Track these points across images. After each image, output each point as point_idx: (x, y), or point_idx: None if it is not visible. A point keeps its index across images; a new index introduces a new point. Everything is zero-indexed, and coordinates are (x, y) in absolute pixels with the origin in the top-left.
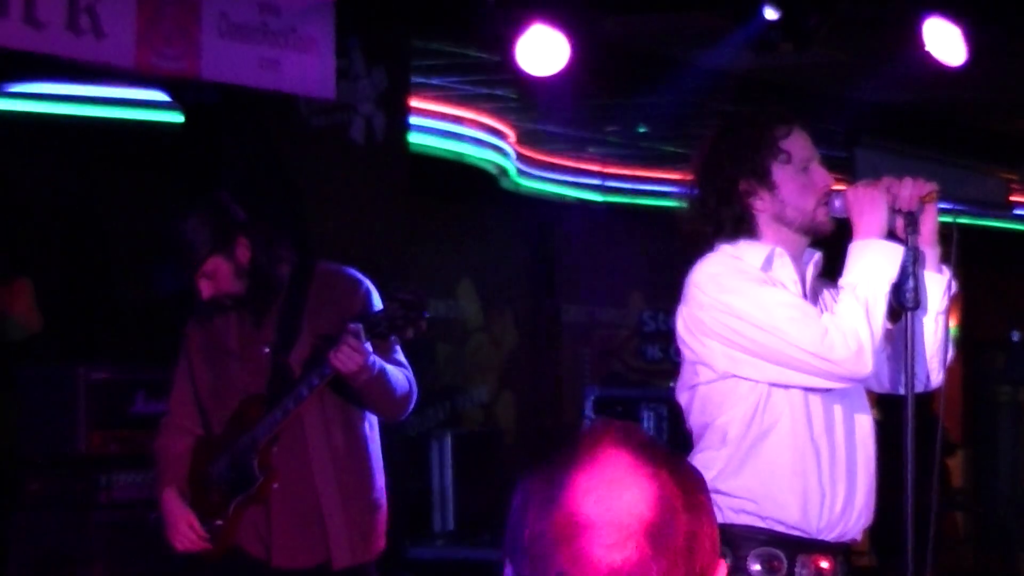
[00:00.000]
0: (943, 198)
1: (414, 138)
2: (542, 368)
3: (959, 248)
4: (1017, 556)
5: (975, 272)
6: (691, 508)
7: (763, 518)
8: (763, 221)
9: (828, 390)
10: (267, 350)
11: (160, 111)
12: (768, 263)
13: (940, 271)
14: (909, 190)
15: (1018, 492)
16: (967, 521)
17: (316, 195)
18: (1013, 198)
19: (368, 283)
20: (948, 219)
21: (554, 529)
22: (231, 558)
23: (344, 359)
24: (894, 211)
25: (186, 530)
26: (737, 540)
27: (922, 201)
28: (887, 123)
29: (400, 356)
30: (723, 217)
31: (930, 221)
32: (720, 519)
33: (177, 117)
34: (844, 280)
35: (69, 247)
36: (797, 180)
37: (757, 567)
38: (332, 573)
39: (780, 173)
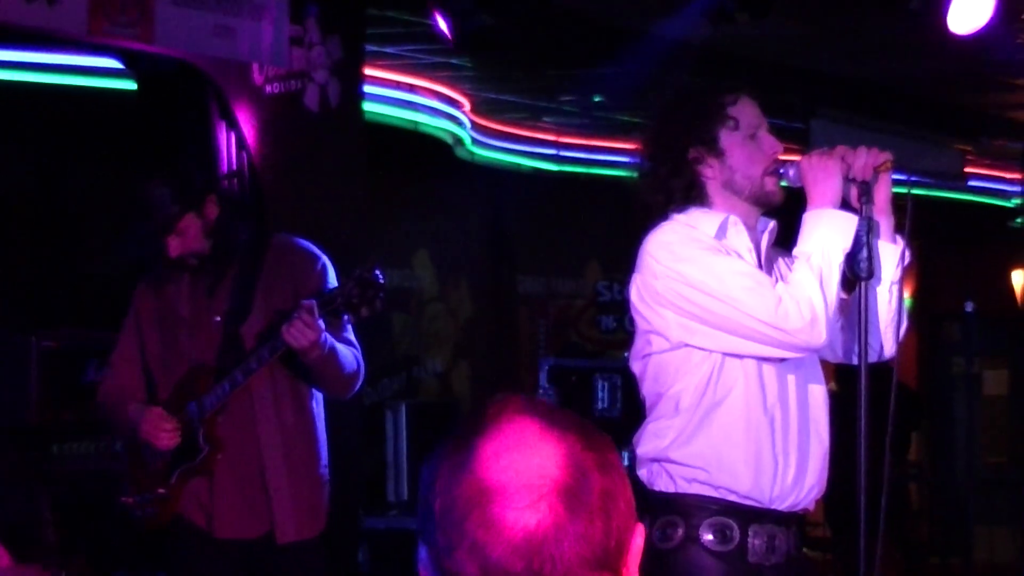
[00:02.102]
0: (898, 169)
1: (369, 107)
2: (498, 338)
3: (913, 218)
4: (972, 529)
5: (931, 244)
6: (603, 467)
7: (715, 487)
8: (713, 189)
9: (782, 360)
10: (218, 319)
11: (114, 79)
12: (722, 231)
13: (894, 241)
14: (863, 159)
15: (974, 464)
16: (922, 494)
17: (270, 163)
18: (968, 169)
19: (325, 259)
20: (902, 189)
21: (464, 497)
22: (174, 526)
23: (296, 335)
24: (848, 180)
25: (157, 422)
26: (690, 509)
27: (876, 171)
28: (843, 95)
29: (350, 335)
30: (674, 186)
31: (884, 191)
32: (672, 488)
33: (131, 85)
34: (798, 250)
35: (22, 216)
36: (745, 147)
37: (709, 536)
38: (275, 548)
39: (728, 140)
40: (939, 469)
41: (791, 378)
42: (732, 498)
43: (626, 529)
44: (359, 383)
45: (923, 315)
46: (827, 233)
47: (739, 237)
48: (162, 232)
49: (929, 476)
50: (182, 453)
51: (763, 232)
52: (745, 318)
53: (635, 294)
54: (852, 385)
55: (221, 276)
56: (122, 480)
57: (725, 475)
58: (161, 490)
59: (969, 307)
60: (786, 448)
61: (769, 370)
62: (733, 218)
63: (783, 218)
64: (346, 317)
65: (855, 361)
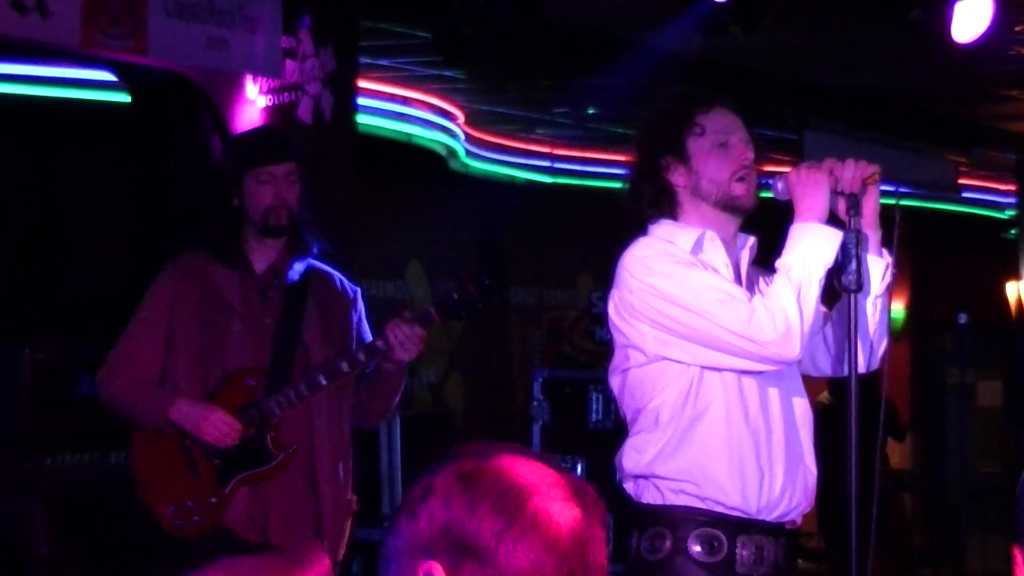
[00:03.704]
0: (893, 181)
1: (363, 119)
2: (491, 350)
3: (903, 231)
4: (966, 538)
5: (924, 255)
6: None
7: (703, 499)
8: (683, 197)
9: (761, 373)
10: (270, 322)
11: (108, 91)
12: (698, 246)
13: (880, 254)
14: (851, 172)
15: (967, 474)
16: (916, 503)
17: None
18: (962, 181)
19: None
20: (891, 201)
21: (502, 494)
22: (213, 536)
23: (408, 346)
24: (836, 193)
25: (221, 424)
26: (677, 521)
27: (864, 183)
28: (836, 106)
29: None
30: (645, 192)
31: (872, 203)
32: (660, 500)
33: (125, 97)
34: (780, 262)
35: (16, 227)
36: (712, 153)
37: (697, 548)
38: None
39: (694, 146)
40: (932, 479)
41: (772, 391)
42: (719, 509)
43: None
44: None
45: (917, 326)
46: (811, 247)
47: (715, 252)
48: (278, 159)
49: (922, 486)
50: (242, 459)
51: (742, 248)
52: (718, 330)
53: (612, 309)
54: (845, 397)
55: (276, 277)
56: (140, 485)
57: (711, 488)
58: (213, 499)
59: (963, 318)
60: (771, 460)
61: (750, 384)
62: (710, 233)
63: (772, 231)
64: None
65: (835, 374)
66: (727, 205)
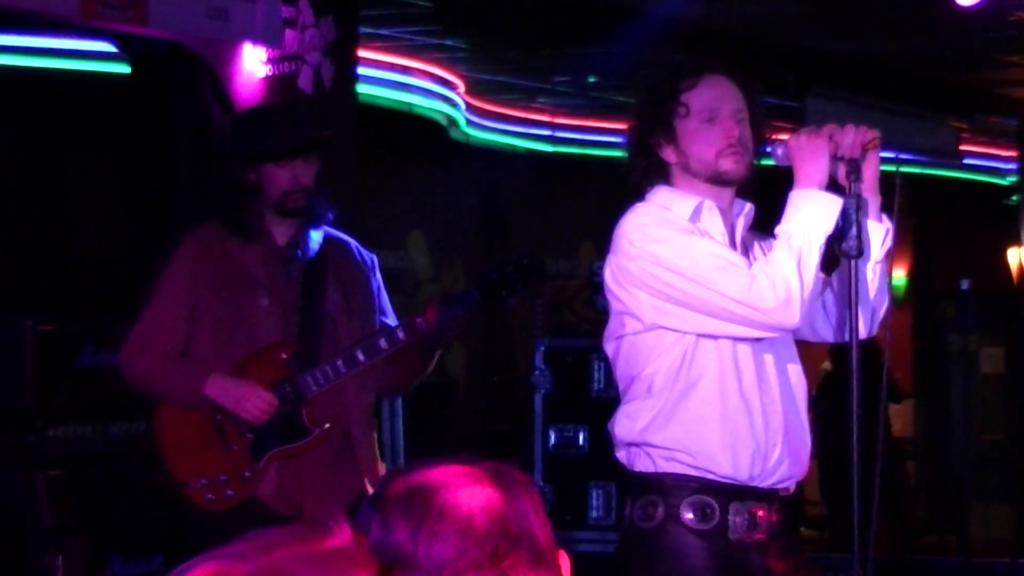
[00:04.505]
0: (895, 147)
1: (363, 89)
2: (493, 319)
3: (904, 197)
4: (969, 506)
5: (927, 222)
6: (518, 472)
7: (695, 467)
8: (675, 173)
9: (758, 341)
10: (294, 294)
11: (108, 62)
12: (696, 215)
13: (880, 220)
14: (851, 137)
15: (970, 441)
16: (919, 471)
17: None
18: (964, 147)
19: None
20: (891, 168)
21: (408, 499)
22: (245, 509)
23: (455, 328)
24: (836, 158)
25: (260, 401)
26: (669, 488)
27: (865, 148)
28: (838, 73)
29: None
30: (640, 166)
31: (872, 169)
32: (652, 468)
33: (125, 68)
34: (780, 228)
35: (15, 199)
36: (699, 132)
37: (690, 515)
38: None
39: (681, 126)
40: (935, 447)
41: (767, 360)
42: (712, 476)
43: (551, 529)
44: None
45: (919, 293)
46: (810, 213)
47: (712, 221)
48: (291, 146)
49: (925, 454)
50: (276, 434)
51: (738, 215)
52: (718, 297)
53: (609, 275)
54: (847, 364)
55: (297, 250)
56: (167, 459)
57: (703, 458)
58: (247, 472)
59: (965, 285)
60: (765, 429)
61: (744, 352)
62: (708, 203)
63: (774, 197)
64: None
65: (835, 340)
66: (716, 180)
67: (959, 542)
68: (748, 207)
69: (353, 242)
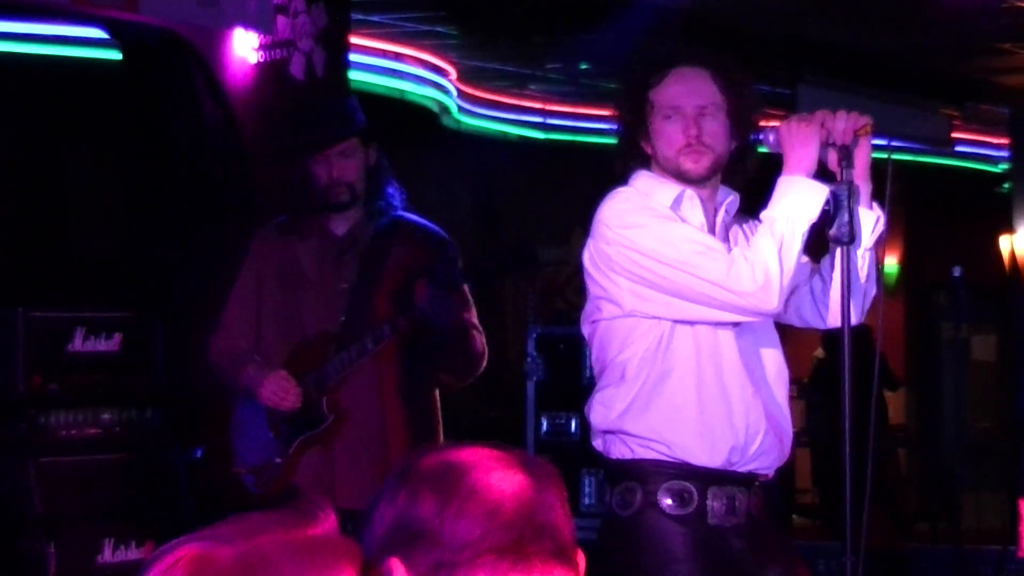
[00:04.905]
0: (886, 135)
1: (354, 75)
2: (485, 307)
3: (895, 184)
4: (961, 494)
5: (918, 210)
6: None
7: (672, 456)
8: (655, 163)
9: (736, 327)
10: (345, 287)
11: (99, 49)
12: (677, 203)
13: (871, 207)
14: (843, 123)
15: (962, 430)
16: (911, 459)
17: (256, 132)
18: (955, 135)
19: (453, 243)
20: (883, 155)
21: (440, 475)
22: (287, 497)
23: (441, 312)
24: (828, 145)
25: (276, 387)
26: (647, 474)
27: (856, 135)
28: (830, 60)
29: (473, 316)
30: (624, 155)
31: (864, 155)
32: (629, 455)
33: (116, 55)
34: (765, 214)
35: (8, 188)
36: (661, 129)
37: (668, 500)
38: None
39: (650, 121)
40: (927, 435)
41: (745, 347)
42: (690, 461)
43: (572, 529)
44: (483, 365)
45: (910, 281)
46: (796, 200)
47: (693, 211)
48: (323, 144)
49: (917, 442)
50: (302, 422)
51: (721, 203)
52: (697, 282)
53: (588, 260)
54: (837, 351)
55: (354, 241)
56: (231, 447)
57: (679, 448)
58: (278, 460)
59: (957, 272)
60: (745, 417)
61: (722, 338)
62: (689, 192)
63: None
64: (469, 300)
65: (825, 327)
66: (679, 178)
67: (951, 530)
68: (732, 197)
69: (427, 226)
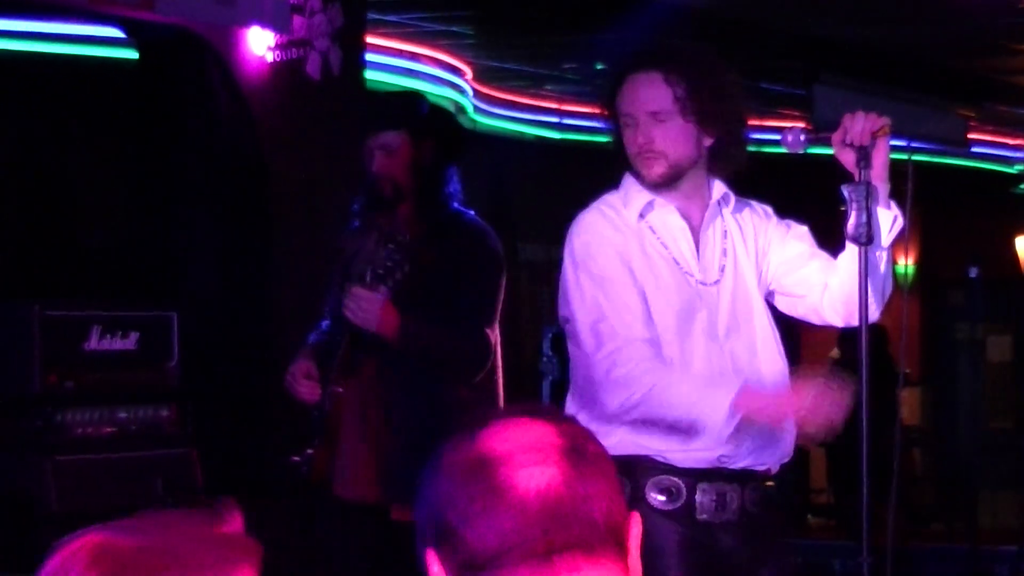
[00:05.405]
0: (902, 135)
1: (371, 75)
2: (500, 306)
3: (914, 184)
4: (977, 493)
5: (934, 210)
6: (592, 439)
7: (659, 454)
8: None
9: (716, 331)
10: (394, 286)
11: (116, 48)
12: (650, 207)
13: (888, 207)
14: (861, 124)
15: (978, 429)
16: (926, 459)
17: (272, 131)
18: (971, 136)
19: (495, 236)
20: (903, 156)
21: (470, 469)
22: (317, 493)
23: (353, 310)
24: (846, 145)
25: (292, 379)
26: (635, 470)
27: (874, 136)
28: (846, 60)
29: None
30: (617, 157)
31: (882, 156)
32: (617, 451)
33: (133, 54)
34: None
35: (23, 185)
36: (624, 137)
37: (656, 495)
38: (390, 523)
39: (619, 129)
40: (943, 434)
41: (736, 347)
42: (679, 456)
43: (622, 504)
44: (476, 362)
45: (926, 281)
46: (710, 405)
47: (670, 216)
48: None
49: (933, 441)
50: (316, 415)
51: (711, 201)
52: (581, 336)
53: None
54: (854, 351)
55: (423, 220)
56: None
57: (666, 450)
58: (309, 450)
59: (973, 272)
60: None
61: (708, 342)
62: (660, 200)
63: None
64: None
65: (844, 324)
66: (643, 183)
67: (967, 530)
68: (722, 192)
69: (476, 231)
